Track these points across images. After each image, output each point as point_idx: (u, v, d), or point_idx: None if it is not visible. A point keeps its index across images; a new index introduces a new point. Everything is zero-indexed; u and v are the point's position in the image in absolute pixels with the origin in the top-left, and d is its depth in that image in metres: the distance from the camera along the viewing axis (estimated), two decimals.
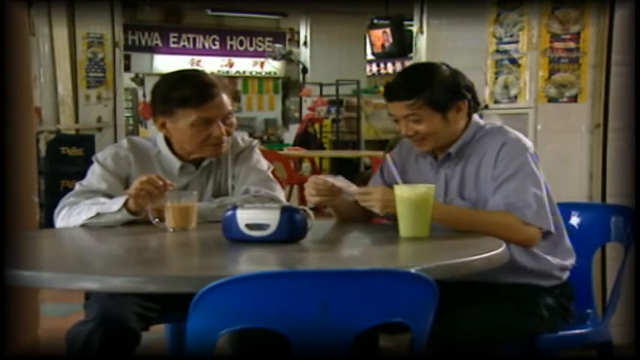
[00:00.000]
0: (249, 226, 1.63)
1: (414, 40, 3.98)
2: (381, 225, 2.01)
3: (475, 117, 1.96)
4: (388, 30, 10.11)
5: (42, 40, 5.66)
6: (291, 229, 1.64)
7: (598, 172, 2.76)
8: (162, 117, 2.01)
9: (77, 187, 2.00)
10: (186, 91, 1.96)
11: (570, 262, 1.96)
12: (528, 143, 1.91)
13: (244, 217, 1.64)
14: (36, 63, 5.45)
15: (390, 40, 10.13)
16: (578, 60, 2.81)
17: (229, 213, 1.66)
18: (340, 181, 1.88)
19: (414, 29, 3.95)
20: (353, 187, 1.87)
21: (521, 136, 1.92)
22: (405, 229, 1.73)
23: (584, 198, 2.77)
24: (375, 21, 10.37)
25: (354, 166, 9.32)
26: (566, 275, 1.95)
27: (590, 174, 2.78)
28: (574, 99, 2.80)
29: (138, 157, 2.03)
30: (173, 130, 2.01)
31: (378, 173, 2.08)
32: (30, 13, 4.48)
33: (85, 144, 5.31)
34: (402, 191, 1.74)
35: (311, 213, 1.68)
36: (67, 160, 5.14)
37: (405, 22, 9.66)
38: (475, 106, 1.94)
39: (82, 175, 2.06)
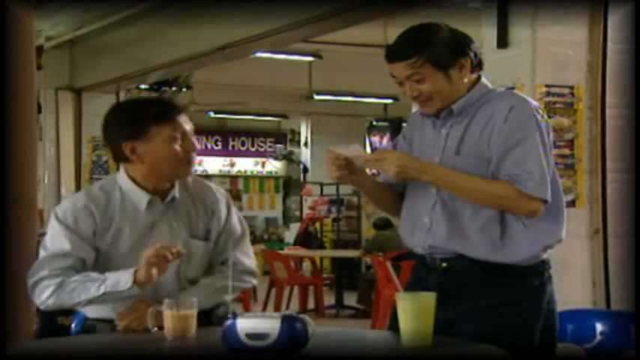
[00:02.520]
0: (249, 335, 1.62)
1: None
2: (384, 332, 1.98)
3: (484, 79, 1.94)
4: (388, 133, 10.33)
5: (49, 144, 5.78)
6: (291, 339, 1.62)
7: (600, 278, 2.75)
8: (131, 142, 1.94)
9: (42, 253, 1.95)
10: (159, 107, 1.99)
11: (555, 239, 1.90)
12: (537, 106, 1.89)
13: (245, 326, 1.63)
14: (41, 166, 5.54)
15: (390, 140, 10.33)
16: (573, 166, 2.86)
17: (229, 322, 1.66)
18: (352, 151, 1.87)
19: None
20: (363, 154, 1.86)
21: (530, 99, 1.91)
22: (407, 337, 1.71)
23: (588, 304, 2.74)
24: (375, 122, 10.61)
25: (356, 266, 9.25)
26: (545, 254, 1.89)
27: (592, 279, 2.77)
28: (572, 204, 2.83)
29: (99, 206, 1.98)
30: (146, 152, 1.95)
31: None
32: (39, 118, 4.62)
33: None
34: (403, 300, 1.73)
35: (311, 321, 1.67)
36: None
37: (404, 124, 9.86)
38: (479, 64, 1.92)
39: None
